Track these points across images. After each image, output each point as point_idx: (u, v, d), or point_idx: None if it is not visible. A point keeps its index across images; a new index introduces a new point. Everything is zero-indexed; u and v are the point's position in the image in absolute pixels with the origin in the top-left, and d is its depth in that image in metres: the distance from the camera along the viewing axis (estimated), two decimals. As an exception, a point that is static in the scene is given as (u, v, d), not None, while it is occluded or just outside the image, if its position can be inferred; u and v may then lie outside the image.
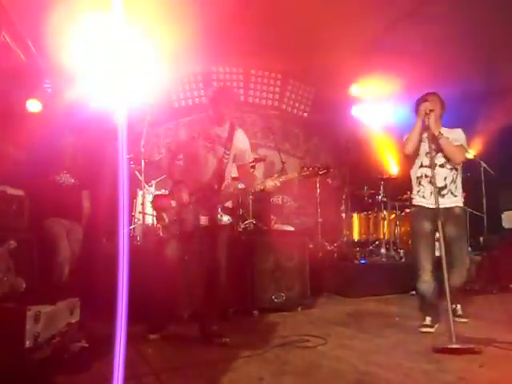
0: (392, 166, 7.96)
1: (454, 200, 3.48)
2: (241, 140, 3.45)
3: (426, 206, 3.48)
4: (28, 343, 2.46)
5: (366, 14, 5.95)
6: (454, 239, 3.40)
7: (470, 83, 6.03)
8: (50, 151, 4.39)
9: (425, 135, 3.45)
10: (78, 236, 4.25)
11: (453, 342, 2.68)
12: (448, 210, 3.41)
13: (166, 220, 3.18)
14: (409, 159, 3.61)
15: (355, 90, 7.76)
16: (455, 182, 3.51)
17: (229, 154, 3.34)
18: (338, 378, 2.35)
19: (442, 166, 3.46)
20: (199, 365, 2.66)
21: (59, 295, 3.05)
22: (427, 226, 3.43)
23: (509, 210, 6.43)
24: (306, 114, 8.46)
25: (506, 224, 6.41)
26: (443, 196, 3.43)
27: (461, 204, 3.52)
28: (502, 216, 6.48)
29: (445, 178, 3.45)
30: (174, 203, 3.19)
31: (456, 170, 3.50)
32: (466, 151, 3.53)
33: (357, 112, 7.98)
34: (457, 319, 3.39)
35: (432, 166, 3.29)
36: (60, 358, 2.56)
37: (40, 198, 4.22)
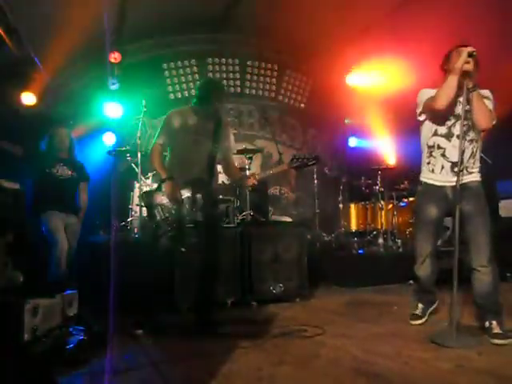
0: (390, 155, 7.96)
1: (468, 177, 2.93)
2: (227, 133, 3.48)
3: (435, 183, 3.06)
4: (26, 336, 2.46)
5: (362, 2, 5.92)
6: (471, 216, 2.88)
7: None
8: (46, 143, 4.35)
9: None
10: (75, 228, 4.24)
11: (453, 338, 2.66)
12: (460, 186, 2.83)
13: (158, 217, 3.15)
14: (436, 118, 3.00)
15: (352, 78, 7.73)
16: (474, 157, 2.96)
17: (217, 148, 3.35)
18: (336, 367, 2.36)
19: (459, 136, 2.88)
20: (198, 356, 2.66)
21: (57, 288, 3.05)
22: (433, 210, 3.07)
23: (506, 198, 6.43)
24: (303, 105, 8.44)
25: (503, 213, 6.41)
26: (456, 173, 2.86)
27: (477, 178, 2.97)
28: (500, 205, 6.47)
29: (462, 152, 2.86)
30: (164, 199, 3.16)
31: (477, 141, 2.95)
32: (494, 118, 2.89)
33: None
34: (493, 340, 2.68)
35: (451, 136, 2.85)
36: (58, 351, 2.56)
37: (37, 190, 4.20)
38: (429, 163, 3.09)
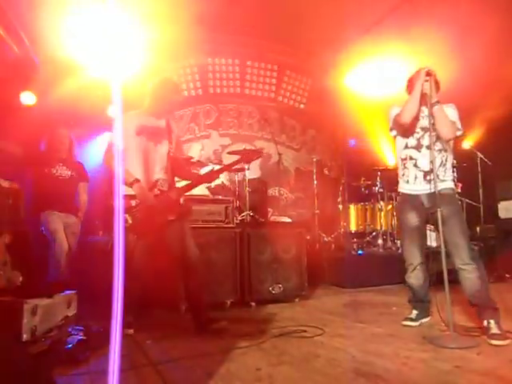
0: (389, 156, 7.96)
1: (440, 185, 3.04)
2: (176, 131, 3.51)
3: (410, 192, 3.22)
4: (25, 336, 2.46)
5: (362, 4, 5.93)
6: (448, 219, 2.96)
7: (468, 71, 6.01)
8: (45, 143, 4.35)
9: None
10: (74, 229, 4.24)
11: (450, 339, 2.68)
12: (433, 194, 2.97)
13: (130, 221, 3.12)
14: (404, 132, 3.22)
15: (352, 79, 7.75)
16: (444, 166, 3.13)
17: (172, 147, 3.37)
18: (335, 367, 2.36)
19: (428, 147, 3.07)
20: (197, 356, 2.66)
21: (56, 288, 3.05)
22: (412, 217, 3.19)
23: (505, 200, 6.44)
24: (302, 106, 8.44)
25: (502, 214, 6.42)
26: (429, 181, 3.07)
27: (450, 185, 3.13)
28: (499, 206, 6.49)
29: (431, 162, 3.01)
30: (133, 203, 3.13)
31: (445, 151, 3.14)
32: (458, 129, 3.06)
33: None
34: (491, 341, 2.67)
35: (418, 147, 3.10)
36: (57, 351, 2.56)
37: (36, 190, 4.20)
38: (403, 175, 3.27)
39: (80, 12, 5.02)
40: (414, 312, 3.37)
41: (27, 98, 5.43)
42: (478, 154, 6.44)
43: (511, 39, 5.71)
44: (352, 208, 6.85)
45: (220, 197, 4.95)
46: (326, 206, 7.13)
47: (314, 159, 7.02)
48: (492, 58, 5.98)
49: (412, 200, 3.22)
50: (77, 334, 2.77)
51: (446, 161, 3.15)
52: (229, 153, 6.05)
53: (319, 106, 8.23)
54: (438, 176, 3.04)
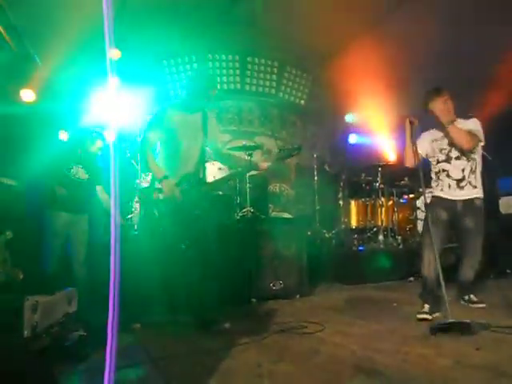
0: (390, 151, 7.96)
1: (473, 192, 3.46)
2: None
3: (446, 197, 3.50)
4: (26, 333, 2.47)
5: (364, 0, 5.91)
6: (472, 231, 3.43)
7: (470, 68, 5.98)
8: (65, 144, 4.27)
9: (436, 135, 3.55)
10: (83, 227, 4.19)
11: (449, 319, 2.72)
12: (467, 201, 3.44)
13: (157, 214, 3.12)
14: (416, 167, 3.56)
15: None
16: (474, 173, 3.48)
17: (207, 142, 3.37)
18: (336, 363, 2.36)
19: (457, 158, 3.46)
20: (197, 352, 2.66)
21: (57, 285, 3.06)
22: (443, 214, 3.46)
23: (506, 195, 6.43)
24: (303, 102, 8.42)
25: (503, 209, 6.41)
26: (462, 188, 3.45)
27: (481, 195, 3.50)
28: (500, 202, 6.47)
29: (462, 170, 3.45)
30: (161, 196, 3.13)
31: (474, 159, 3.47)
32: (479, 139, 3.43)
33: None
34: (473, 305, 3.52)
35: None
36: (58, 348, 2.57)
37: (49, 189, 4.09)
38: (437, 185, 3.58)
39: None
40: (426, 306, 3.40)
41: (27, 95, 5.45)
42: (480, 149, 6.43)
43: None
44: (353, 204, 6.84)
45: (221, 192, 4.94)
46: (326, 202, 7.12)
47: (315, 155, 7.01)
48: (492, 53, 5.95)
49: (447, 202, 3.49)
50: (77, 331, 2.77)
51: (476, 168, 3.49)
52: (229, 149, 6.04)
53: (320, 102, 8.21)
54: (470, 183, 3.45)
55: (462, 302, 3.63)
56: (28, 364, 2.09)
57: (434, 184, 3.64)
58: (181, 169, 3.23)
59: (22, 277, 3.39)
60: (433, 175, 3.65)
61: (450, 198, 3.49)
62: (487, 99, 6.33)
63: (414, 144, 3.47)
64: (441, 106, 3.38)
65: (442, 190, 3.54)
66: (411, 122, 3.46)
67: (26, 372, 2.01)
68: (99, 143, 4.23)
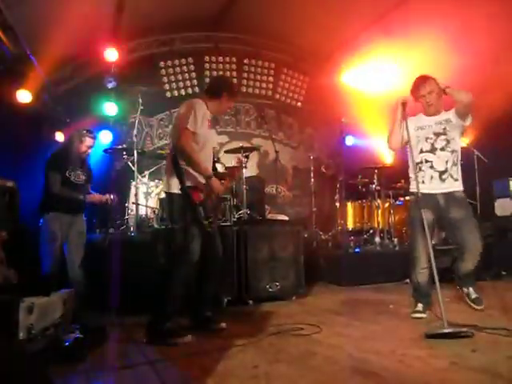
0: (386, 154, 7.97)
1: (455, 185, 3.38)
2: None
3: (427, 191, 3.36)
4: (22, 335, 2.46)
5: (361, 2, 5.93)
6: (462, 221, 3.32)
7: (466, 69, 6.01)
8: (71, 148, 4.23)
9: (422, 121, 3.43)
10: (80, 228, 4.16)
11: (445, 327, 2.70)
12: (448, 194, 3.36)
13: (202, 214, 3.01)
14: (398, 151, 3.55)
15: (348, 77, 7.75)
16: (456, 165, 3.40)
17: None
18: (332, 365, 2.36)
19: (442, 149, 3.36)
20: (194, 353, 2.66)
21: (53, 286, 3.04)
22: (427, 215, 3.26)
23: (502, 197, 6.45)
24: (299, 104, 8.44)
25: (498, 212, 6.43)
26: (443, 180, 3.35)
27: (461, 188, 3.42)
28: (495, 204, 6.50)
29: (446, 162, 3.35)
30: (202, 195, 3.07)
31: (456, 152, 3.40)
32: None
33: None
34: (471, 304, 3.45)
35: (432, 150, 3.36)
36: (54, 349, 2.56)
37: (48, 190, 4.06)
38: (417, 177, 3.38)
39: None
40: (420, 305, 3.44)
41: (23, 96, 5.42)
42: (475, 151, 6.44)
43: (509, 37, 5.71)
44: (349, 206, 6.86)
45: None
46: (323, 204, 7.14)
47: (312, 157, 7.02)
48: (490, 55, 5.98)
49: (428, 199, 3.34)
50: (73, 333, 2.76)
51: (457, 161, 3.42)
52: (226, 151, 6.05)
53: (316, 104, 8.23)
54: (451, 175, 3.35)
55: (463, 295, 3.57)
56: (23, 366, 2.08)
57: (412, 176, 3.46)
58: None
59: (17, 278, 3.37)
60: (412, 165, 3.44)
61: (430, 192, 3.37)
62: (483, 102, 6.37)
63: (405, 123, 3.35)
64: (428, 94, 3.35)
65: (423, 182, 3.39)
66: (403, 103, 3.38)
67: (21, 374, 2.00)
68: (91, 141, 4.19)
